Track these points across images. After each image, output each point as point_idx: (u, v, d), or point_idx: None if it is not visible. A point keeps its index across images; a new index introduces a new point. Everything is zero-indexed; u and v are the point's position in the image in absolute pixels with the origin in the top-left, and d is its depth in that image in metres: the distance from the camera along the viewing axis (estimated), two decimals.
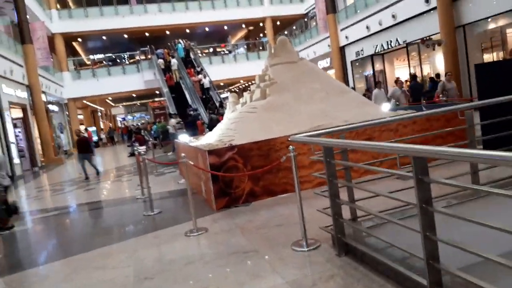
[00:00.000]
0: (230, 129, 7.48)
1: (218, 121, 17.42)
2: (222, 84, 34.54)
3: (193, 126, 17.22)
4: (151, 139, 22.84)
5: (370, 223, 3.52)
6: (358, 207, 3.24)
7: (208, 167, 5.51)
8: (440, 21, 15.18)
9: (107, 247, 4.75)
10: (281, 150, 5.79)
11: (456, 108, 4.91)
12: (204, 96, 21.69)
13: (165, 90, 22.64)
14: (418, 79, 15.94)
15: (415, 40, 17.61)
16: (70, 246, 5.30)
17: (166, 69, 24.55)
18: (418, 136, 4.43)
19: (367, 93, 15.06)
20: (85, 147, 11.74)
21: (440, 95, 11.51)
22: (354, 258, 3.24)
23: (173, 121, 19.87)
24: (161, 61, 25.39)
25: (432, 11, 16.15)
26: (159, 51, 26.82)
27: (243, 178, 5.62)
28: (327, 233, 3.65)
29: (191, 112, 19.14)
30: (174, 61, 24.02)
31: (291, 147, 3.63)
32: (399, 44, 18.82)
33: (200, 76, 22.74)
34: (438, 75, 14.85)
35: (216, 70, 27.20)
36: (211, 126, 16.57)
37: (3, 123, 14.99)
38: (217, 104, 19.49)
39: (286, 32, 30.29)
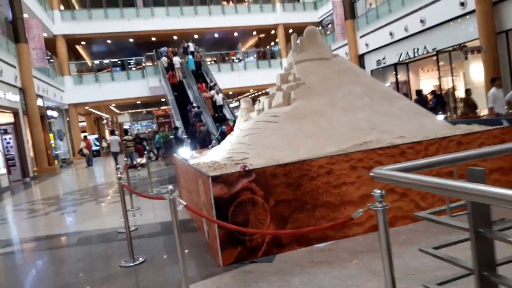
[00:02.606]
0: (243, 143, 5.69)
1: (208, 134, 15.53)
2: (230, 93, 32.95)
3: (198, 136, 15.36)
4: (154, 150, 21.14)
5: None
6: None
7: (211, 201, 3.70)
8: (479, 26, 13.46)
9: None
10: (319, 178, 3.98)
11: None
12: (216, 115, 19.92)
13: (170, 98, 20.99)
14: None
15: (447, 48, 15.82)
16: None
17: (169, 67, 23.45)
18: None
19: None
20: None
21: (492, 106, 9.65)
22: None
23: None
24: (164, 59, 24.27)
25: (468, 16, 14.45)
26: (162, 49, 25.76)
27: (263, 219, 3.81)
28: None
29: (194, 109, 17.38)
30: (176, 59, 22.89)
31: (377, 191, 1.81)
32: (427, 52, 17.03)
33: (212, 92, 20.98)
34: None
35: (224, 78, 25.84)
36: (200, 140, 14.69)
37: None
38: (231, 124, 17.67)
39: (298, 42, 28.67)
